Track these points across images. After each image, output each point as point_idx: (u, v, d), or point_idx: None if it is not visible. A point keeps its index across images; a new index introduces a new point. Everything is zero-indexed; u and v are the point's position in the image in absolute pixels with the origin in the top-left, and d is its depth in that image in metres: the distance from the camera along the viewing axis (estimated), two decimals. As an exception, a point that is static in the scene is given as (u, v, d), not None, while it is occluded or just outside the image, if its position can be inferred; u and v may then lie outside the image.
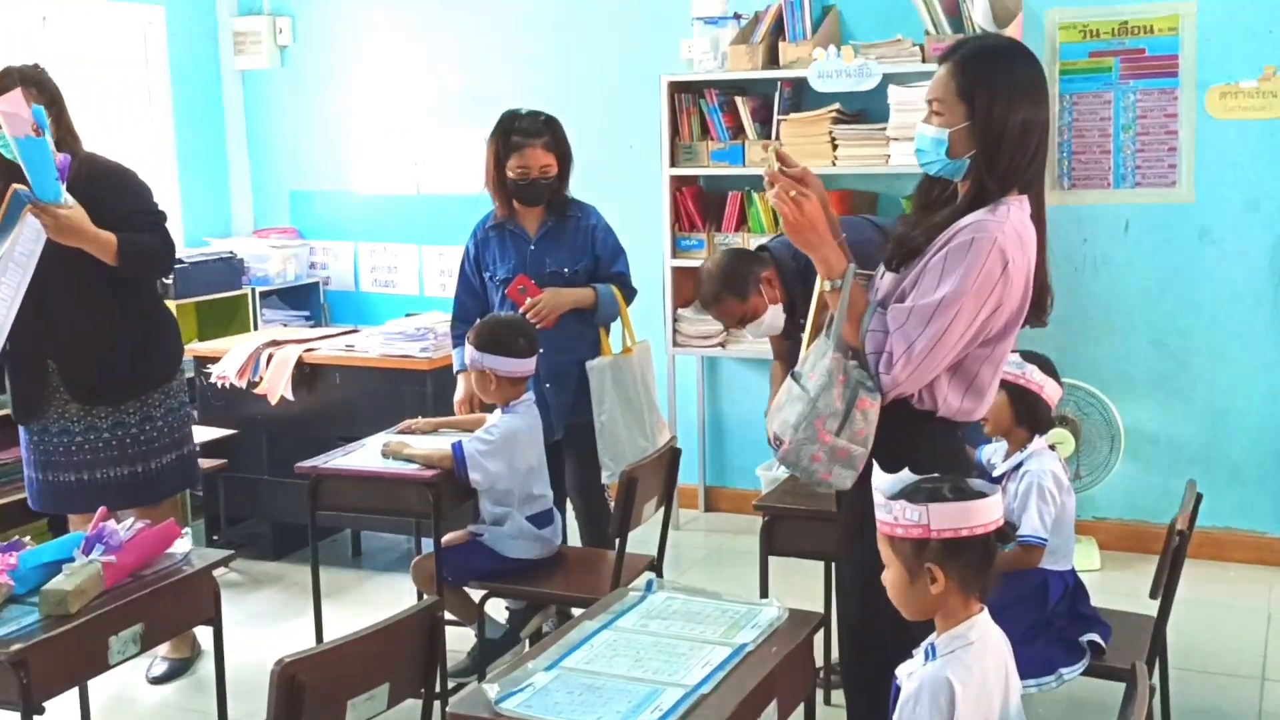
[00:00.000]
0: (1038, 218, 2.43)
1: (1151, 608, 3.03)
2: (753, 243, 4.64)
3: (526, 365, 3.66)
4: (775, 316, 3.73)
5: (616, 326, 4.18)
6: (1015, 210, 2.37)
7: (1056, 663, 3.04)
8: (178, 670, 4.03)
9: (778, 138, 4.95)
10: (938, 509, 2.02)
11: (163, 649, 3.95)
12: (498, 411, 3.69)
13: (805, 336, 2.62)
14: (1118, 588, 4.24)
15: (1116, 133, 4.79)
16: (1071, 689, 3.57)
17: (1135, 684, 2.13)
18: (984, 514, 2.03)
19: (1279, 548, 4.76)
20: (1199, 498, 3.18)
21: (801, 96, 5.03)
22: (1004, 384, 3.09)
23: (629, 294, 4.18)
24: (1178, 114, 4.69)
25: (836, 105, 4.87)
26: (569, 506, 4.18)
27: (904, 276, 2.42)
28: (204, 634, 3.48)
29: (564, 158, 4.02)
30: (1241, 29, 4.56)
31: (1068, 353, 4.91)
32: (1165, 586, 2.98)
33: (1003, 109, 2.34)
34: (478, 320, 3.82)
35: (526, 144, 3.95)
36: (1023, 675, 2.99)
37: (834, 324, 2.42)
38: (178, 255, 4.33)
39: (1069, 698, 3.61)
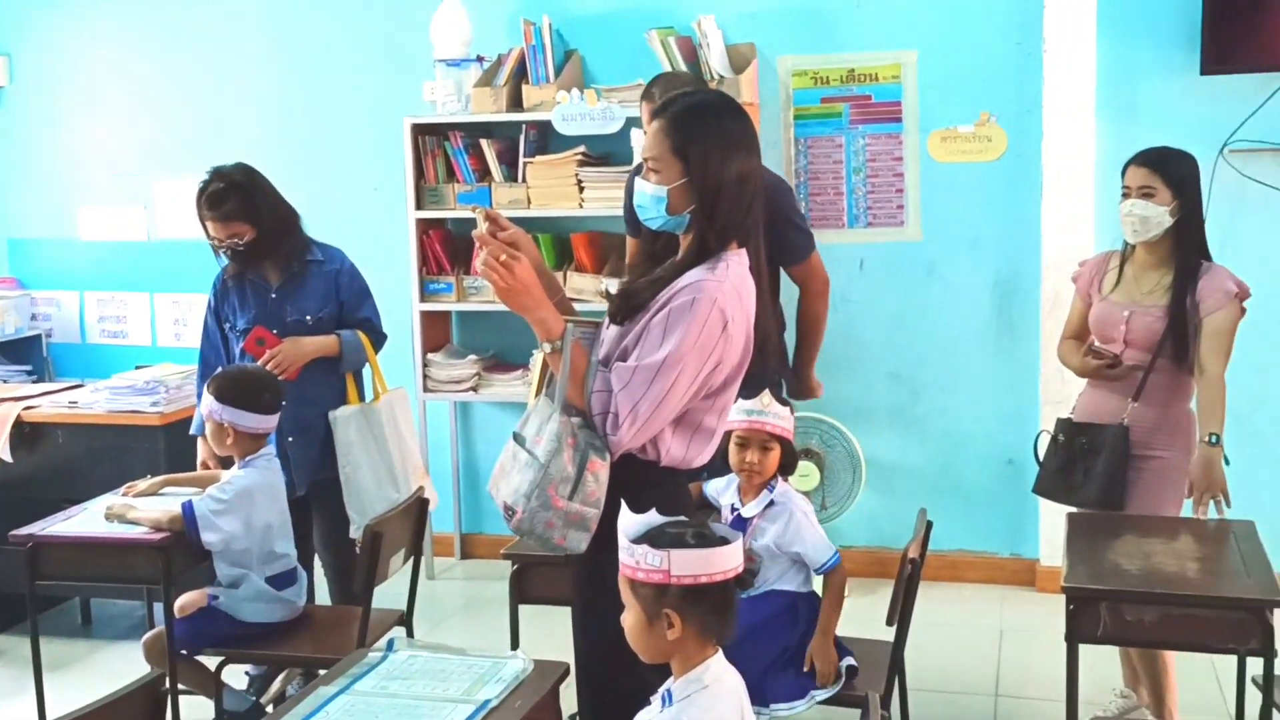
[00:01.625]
0: (756, 268, 2.47)
1: (893, 633, 3.13)
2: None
3: (268, 422, 3.52)
4: None
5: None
6: (734, 265, 2.41)
7: (808, 685, 3.10)
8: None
9: (524, 180, 4.95)
10: (679, 555, 2.02)
11: None
12: (235, 467, 3.52)
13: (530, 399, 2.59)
14: (864, 614, 4.35)
15: (849, 175, 4.99)
16: (807, 716, 3.66)
17: (868, 712, 2.18)
18: (725, 561, 2.04)
19: (1009, 567, 5.01)
20: (929, 525, 3.30)
21: (547, 139, 5.05)
22: (781, 439, 3.16)
23: (377, 339, 4.07)
24: (904, 157, 4.92)
25: (582, 148, 4.90)
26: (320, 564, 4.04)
27: (628, 331, 2.42)
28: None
29: (259, 218, 3.83)
30: (958, 77, 4.83)
31: (811, 387, 5.10)
32: (901, 613, 3.08)
33: (717, 164, 2.38)
34: (219, 369, 3.65)
35: (210, 216, 3.81)
36: (776, 701, 3.06)
37: (557, 386, 2.40)
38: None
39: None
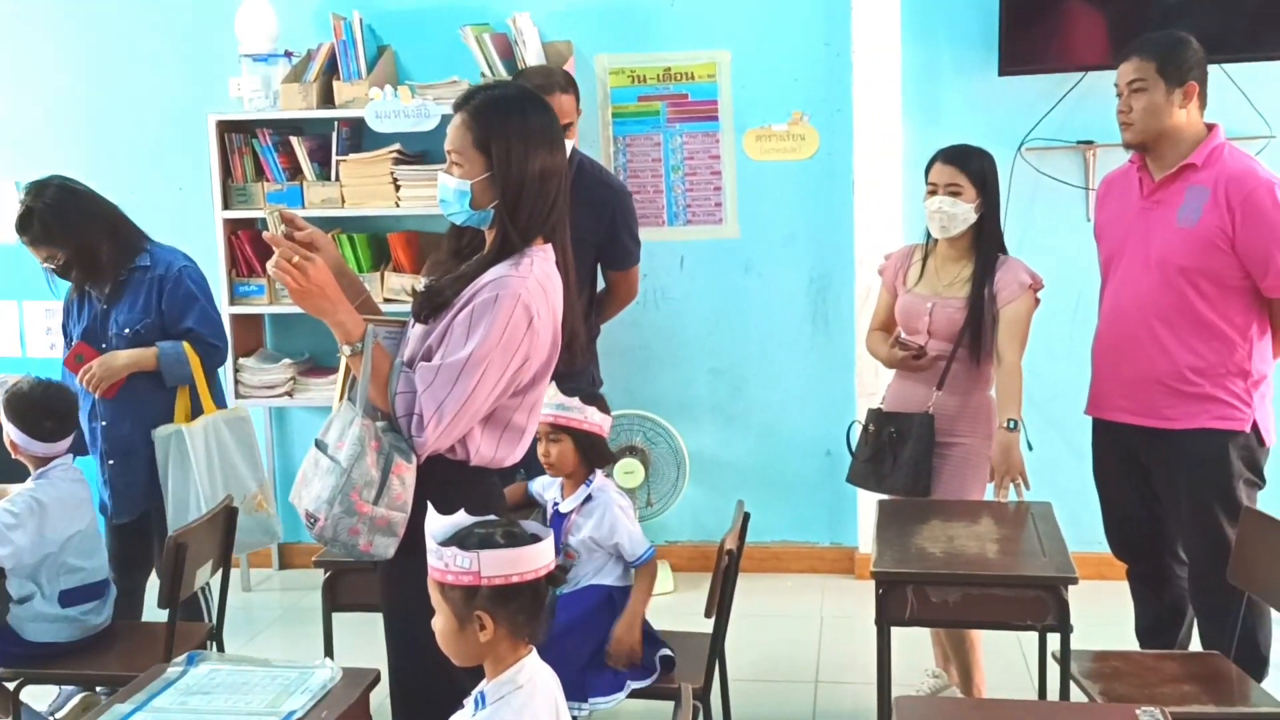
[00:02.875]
0: (563, 263, 2.46)
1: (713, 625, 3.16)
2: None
3: (55, 448, 3.37)
4: None
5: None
6: (539, 261, 2.39)
7: (624, 677, 3.10)
8: None
9: (337, 179, 4.84)
10: (489, 556, 1.99)
11: None
12: (29, 479, 3.36)
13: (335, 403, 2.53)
14: (690, 608, 4.39)
15: (667, 173, 5.02)
16: (631, 710, 3.67)
17: (680, 703, 2.19)
18: (535, 559, 2.02)
19: (829, 556, 5.12)
20: (746, 516, 3.34)
21: (360, 137, 4.94)
22: (568, 429, 3.15)
23: (205, 352, 3.80)
24: (721, 155, 4.98)
25: (397, 146, 4.82)
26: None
27: (432, 329, 2.39)
28: None
29: (66, 240, 3.65)
30: (771, 77, 4.91)
31: (634, 384, 5.12)
32: (719, 604, 3.11)
33: (520, 158, 2.36)
34: (15, 379, 3.47)
35: (21, 239, 3.66)
36: (595, 695, 3.06)
37: (359, 389, 2.35)
38: None
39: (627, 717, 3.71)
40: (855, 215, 4.85)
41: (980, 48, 4.71)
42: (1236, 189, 3.29)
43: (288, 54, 4.92)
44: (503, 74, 4.77)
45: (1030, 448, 4.23)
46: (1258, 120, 4.54)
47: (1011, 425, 3.44)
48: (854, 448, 3.76)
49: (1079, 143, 4.71)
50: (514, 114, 2.39)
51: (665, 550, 5.16)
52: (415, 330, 2.44)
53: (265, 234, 2.39)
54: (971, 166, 3.52)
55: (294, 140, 4.89)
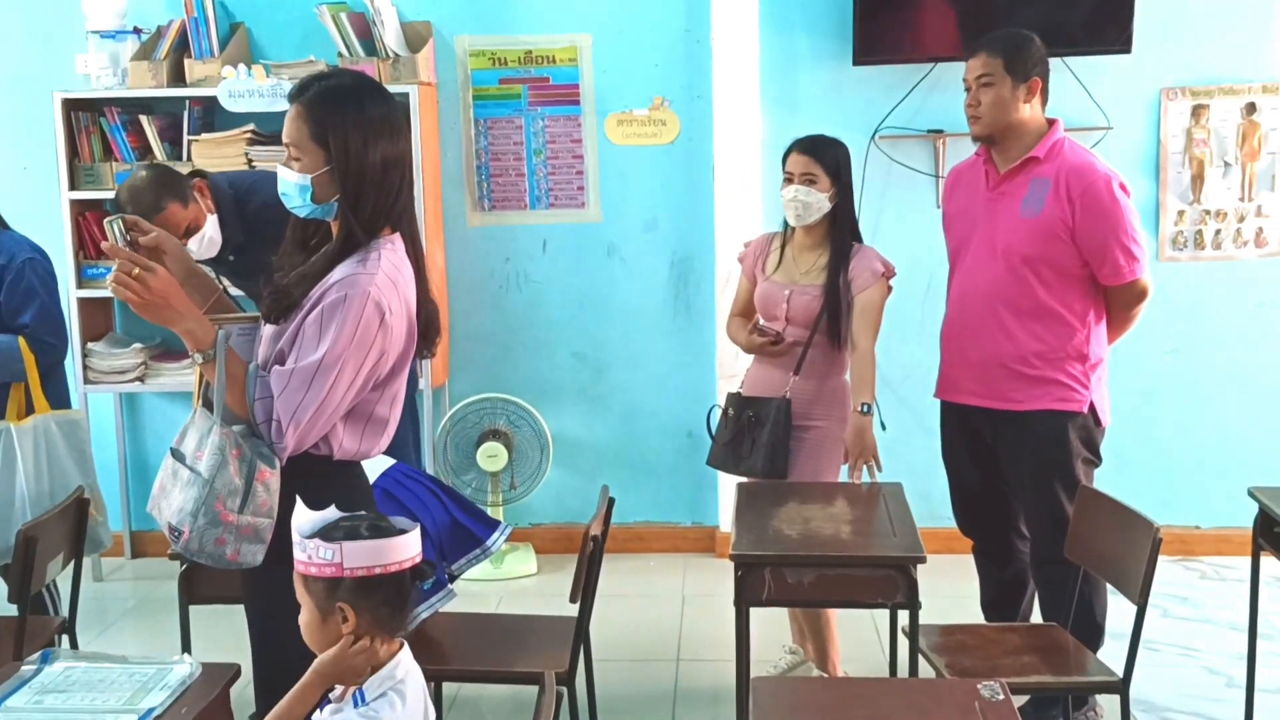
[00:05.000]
0: (414, 252, 2.44)
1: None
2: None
3: None
4: (215, 229, 3.74)
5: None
6: (387, 254, 2.36)
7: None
8: None
9: (189, 159, 4.72)
10: (352, 547, 1.99)
11: None
12: None
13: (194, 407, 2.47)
14: (554, 590, 4.44)
15: (529, 157, 5.02)
16: (496, 695, 3.70)
17: (543, 689, 2.23)
18: (400, 551, 2.02)
19: (690, 535, 5.21)
20: (611, 502, 3.38)
21: (213, 116, 4.83)
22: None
23: (40, 349, 3.61)
24: (583, 139, 5.00)
25: (251, 126, 4.72)
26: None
27: (283, 331, 2.35)
28: None
29: None
30: (632, 62, 4.94)
31: (497, 367, 5.13)
32: (584, 589, 3.15)
33: (359, 149, 2.32)
34: None
35: None
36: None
37: (215, 397, 2.31)
38: None
39: (491, 701, 3.74)
40: (716, 200, 4.92)
41: (835, 38, 4.82)
42: (1077, 182, 3.43)
43: (137, 30, 4.78)
44: (361, 55, 4.73)
45: (884, 428, 4.37)
46: (1097, 112, 4.74)
47: (865, 409, 3.55)
48: (714, 431, 3.84)
49: (929, 131, 4.86)
50: (350, 104, 2.34)
51: (529, 533, 5.19)
52: (266, 331, 2.40)
53: (104, 244, 2.31)
54: (826, 156, 3.61)
55: (144, 119, 4.75)
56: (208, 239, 3.69)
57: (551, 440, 4.95)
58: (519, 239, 5.09)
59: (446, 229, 5.05)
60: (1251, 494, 3.26)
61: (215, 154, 4.70)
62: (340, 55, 4.74)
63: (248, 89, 4.63)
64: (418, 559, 2.04)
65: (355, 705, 2.02)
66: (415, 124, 4.64)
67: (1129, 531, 3.03)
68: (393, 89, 4.58)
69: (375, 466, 3.03)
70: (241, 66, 4.65)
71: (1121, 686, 2.99)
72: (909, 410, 4.75)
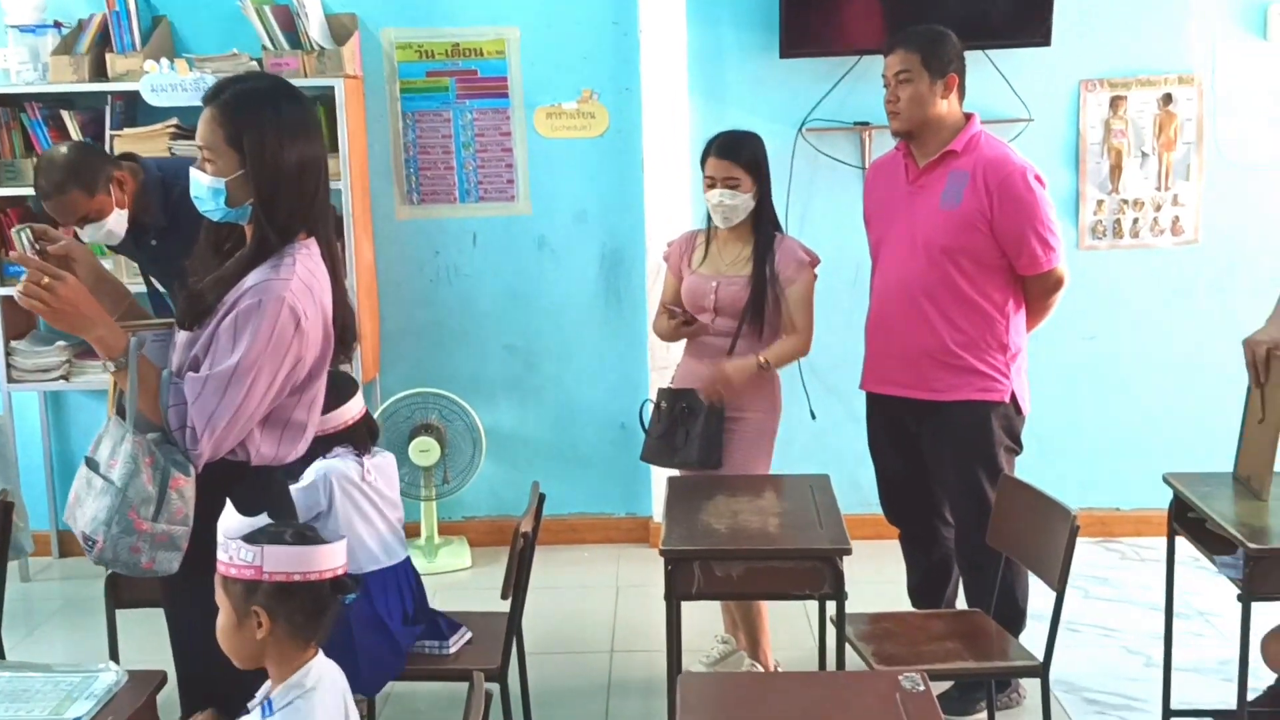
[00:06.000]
0: (329, 256, 2.43)
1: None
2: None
3: None
4: (118, 223, 3.63)
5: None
6: (302, 259, 2.36)
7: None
8: None
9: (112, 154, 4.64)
10: (273, 551, 1.99)
11: None
12: None
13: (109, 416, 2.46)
14: (488, 583, 4.44)
15: (458, 150, 5.01)
16: (429, 692, 3.71)
17: (473, 688, 2.24)
18: (323, 560, 2.03)
19: (625, 526, 5.24)
20: (542, 497, 3.41)
21: (135, 111, 4.77)
22: None
23: None
24: (512, 132, 5.00)
25: (175, 120, 4.66)
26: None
27: (198, 337, 2.35)
28: None
29: None
30: (560, 54, 4.94)
31: (428, 362, 5.12)
32: (516, 585, 3.17)
33: (274, 152, 2.32)
34: None
35: None
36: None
37: (128, 404, 2.29)
38: None
39: (428, 698, 3.75)
40: (645, 193, 4.95)
41: (762, 30, 4.85)
42: (994, 174, 3.50)
43: (57, 24, 4.71)
44: (285, 48, 4.68)
45: (814, 416, 4.44)
46: (1018, 104, 4.82)
47: (764, 363, 3.61)
48: (646, 425, 3.87)
49: (855, 124, 4.91)
50: (266, 107, 2.33)
51: (463, 526, 5.20)
52: (181, 337, 2.39)
53: (13, 254, 2.30)
54: (744, 157, 3.64)
55: (65, 114, 4.68)
56: (105, 230, 3.60)
57: (484, 434, 4.96)
58: (449, 232, 5.08)
59: (375, 223, 5.03)
60: (1166, 480, 3.35)
61: (138, 149, 4.60)
62: (264, 48, 4.69)
63: (170, 83, 4.57)
64: (340, 571, 2.05)
65: (264, 715, 2.03)
66: (341, 117, 4.62)
67: (1047, 519, 3.10)
68: (318, 82, 4.60)
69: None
70: (164, 60, 4.59)
71: (1041, 671, 3.06)
72: (838, 399, 4.82)
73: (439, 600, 4.49)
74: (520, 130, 4.99)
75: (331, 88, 4.60)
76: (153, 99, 4.58)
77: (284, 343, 2.30)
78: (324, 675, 2.07)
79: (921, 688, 2.21)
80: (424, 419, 4.90)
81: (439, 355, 5.12)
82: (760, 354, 3.63)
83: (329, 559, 2.03)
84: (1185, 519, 3.28)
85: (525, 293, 5.12)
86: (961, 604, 3.78)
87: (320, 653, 2.08)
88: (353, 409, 3.18)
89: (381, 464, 3.24)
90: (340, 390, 3.06)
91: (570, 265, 5.11)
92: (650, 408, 3.86)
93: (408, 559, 3.26)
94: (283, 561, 2.00)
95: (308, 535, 2.06)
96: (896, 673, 2.28)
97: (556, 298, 5.13)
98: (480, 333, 5.14)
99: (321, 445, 3.06)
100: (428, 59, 4.95)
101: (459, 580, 4.87)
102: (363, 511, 3.13)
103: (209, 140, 2.33)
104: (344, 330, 2.46)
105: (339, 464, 3.13)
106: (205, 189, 2.34)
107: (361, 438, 3.19)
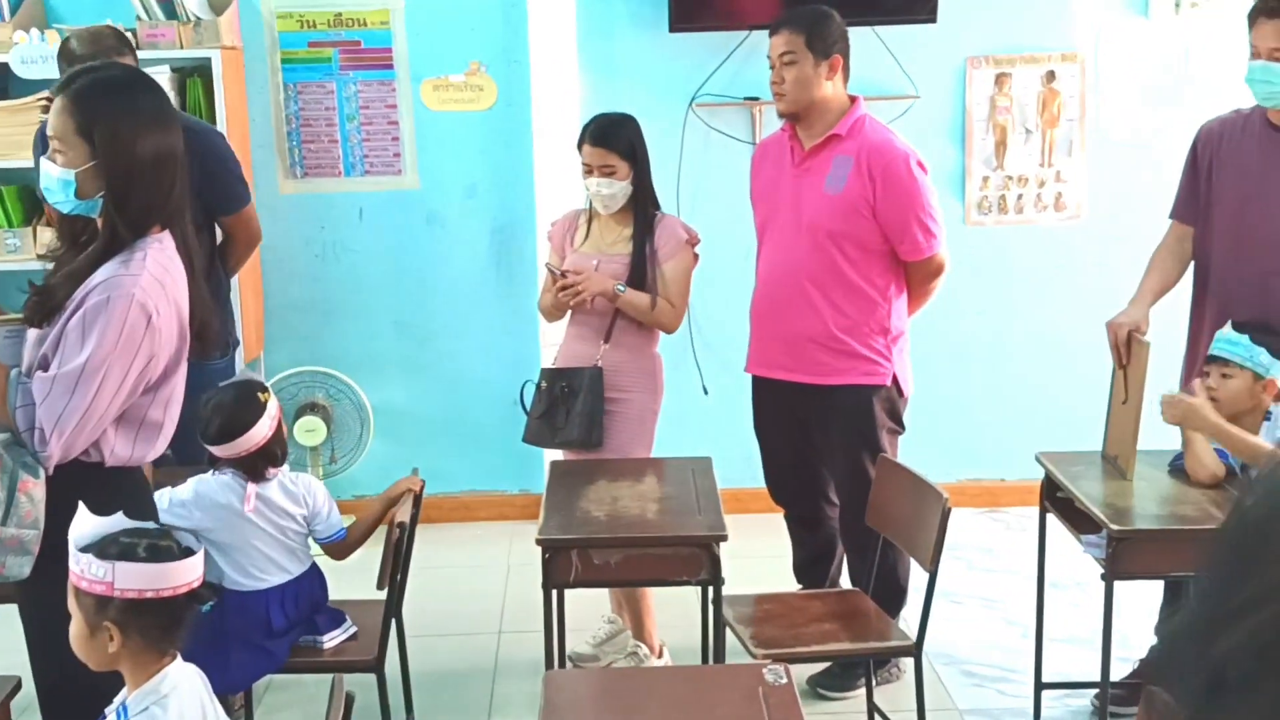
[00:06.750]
0: (185, 250, 2.38)
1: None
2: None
3: None
4: None
5: None
6: (153, 254, 2.30)
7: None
8: None
9: (-22, 128, 4.49)
10: (125, 568, 1.95)
11: None
12: None
13: None
14: (378, 563, 4.41)
15: (342, 122, 4.91)
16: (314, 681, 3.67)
17: (333, 693, 2.22)
18: (178, 575, 1.99)
19: (517, 503, 5.22)
20: (423, 484, 3.38)
21: (6, 83, 4.60)
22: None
23: None
24: (398, 105, 4.91)
25: (46, 93, 4.49)
26: None
27: (47, 334, 2.28)
28: None
29: None
30: (447, 26, 4.86)
31: (315, 339, 5.03)
32: (392, 576, 3.14)
33: (127, 145, 2.26)
34: None
35: None
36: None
37: None
38: None
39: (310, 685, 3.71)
40: (535, 167, 4.89)
41: (651, 4, 4.81)
42: (877, 159, 3.51)
43: (-85, -9, 4.51)
44: (160, 18, 4.54)
45: (706, 392, 4.46)
46: (906, 81, 4.84)
47: (619, 290, 3.59)
48: (528, 407, 3.84)
49: (746, 99, 4.90)
50: (119, 97, 2.28)
51: (354, 505, 5.09)
52: (31, 335, 2.32)
53: None
54: (620, 144, 3.61)
55: (-73, 86, 4.50)
56: None
57: (372, 412, 4.90)
58: (335, 207, 4.98)
59: (258, 197, 4.87)
60: (1038, 459, 3.41)
61: (9, 122, 4.49)
62: (139, 19, 4.54)
63: (41, 54, 4.41)
64: (196, 584, 2.01)
65: None
66: (219, 90, 4.49)
67: (922, 501, 3.15)
68: (195, 54, 4.47)
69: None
70: (35, 31, 4.44)
71: (915, 651, 3.11)
72: (732, 375, 4.80)
73: (328, 581, 4.45)
74: (406, 103, 4.91)
75: (209, 59, 4.48)
76: (22, 71, 4.43)
77: (134, 340, 2.24)
78: (180, 681, 2.03)
79: (784, 680, 2.23)
80: (309, 398, 4.83)
81: (327, 332, 5.04)
82: (619, 285, 3.60)
83: (183, 574, 1.99)
84: (1055, 497, 3.35)
85: (415, 268, 5.06)
86: (846, 583, 3.83)
87: (178, 658, 2.04)
88: (254, 438, 2.98)
89: (277, 486, 3.11)
90: (241, 417, 2.96)
91: (461, 240, 5.04)
92: (532, 389, 3.84)
93: (304, 572, 3.18)
94: (135, 579, 1.95)
95: (162, 548, 2.00)
96: (760, 666, 2.30)
97: (447, 273, 5.07)
98: (369, 309, 5.07)
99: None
100: (310, 29, 4.83)
101: (348, 561, 4.79)
102: (243, 535, 3.04)
103: (59, 130, 2.28)
104: (202, 327, 2.40)
105: (216, 489, 3.03)
106: (55, 180, 2.28)
107: (254, 466, 3.03)
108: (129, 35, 3.95)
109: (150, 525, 2.06)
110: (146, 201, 2.29)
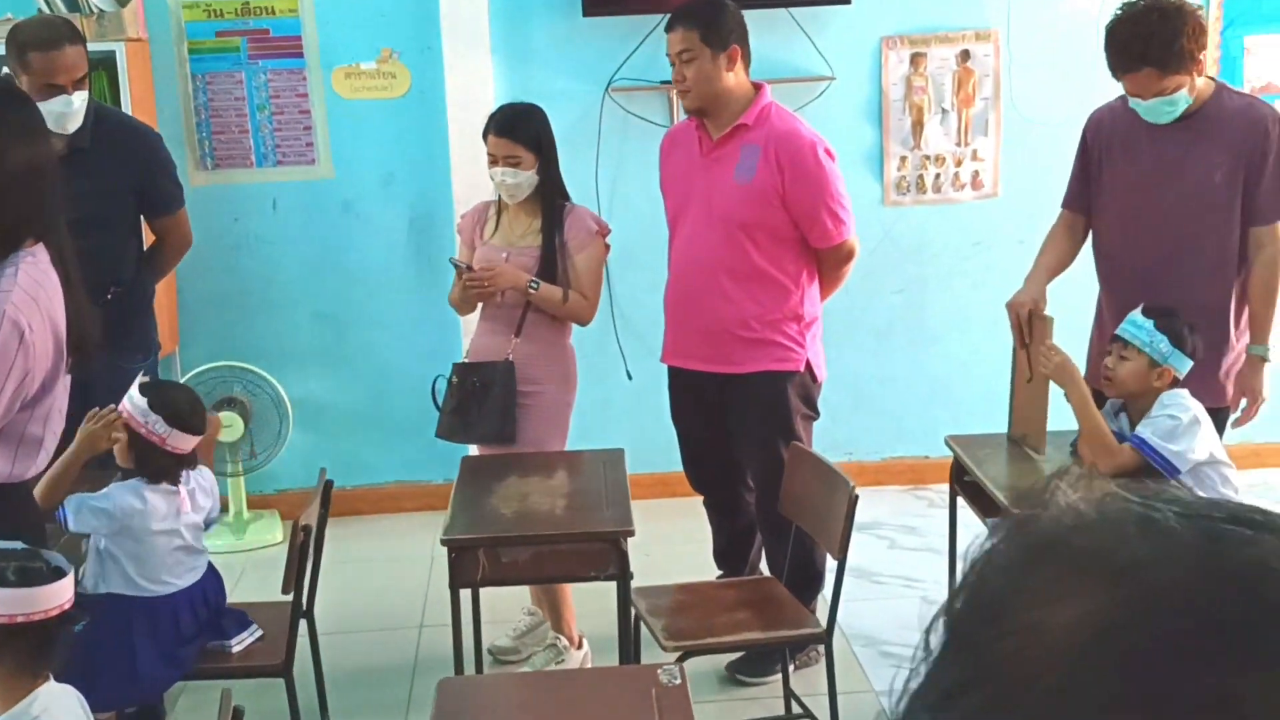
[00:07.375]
0: (59, 261, 2.33)
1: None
2: None
3: None
4: (83, 103, 3.57)
5: None
6: (25, 268, 2.26)
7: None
8: None
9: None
10: None
11: None
12: None
13: None
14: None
15: (253, 112, 4.83)
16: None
17: (221, 707, 2.19)
18: (49, 599, 1.96)
19: (442, 493, 5.14)
20: (329, 485, 3.35)
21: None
22: (129, 430, 2.91)
23: None
24: (309, 94, 4.83)
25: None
26: None
27: None
28: None
29: None
30: (357, 13, 4.78)
31: (231, 334, 4.96)
32: (298, 579, 3.11)
33: None
34: None
35: None
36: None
37: None
38: None
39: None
40: (451, 155, 4.84)
41: (564, -12, 4.77)
42: (785, 148, 3.50)
43: None
44: (62, 10, 4.43)
45: (630, 377, 4.44)
46: (821, 62, 4.83)
47: (534, 286, 3.56)
48: (439, 402, 3.82)
49: (662, 83, 4.85)
50: None
51: (276, 499, 5.09)
52: None
53: None
54: (524, 134, 3.58)
55: None
56: (75, 108, 3.50)
57: (291, 406, 4.84)
58: (248, 198, 4.91)
59: (169, 191, 4.82)
60: (947, 442, 3.43)
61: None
62: (40, 10, 4.43)
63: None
64: (66, 605, 1.97)
65: None
66: (124, 83, 4.41)
67: (830, 488, 3.16)
68: (98, 47, 4.36)
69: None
70: (-74, 23, 4.31)
71: (825, 638, 3.13)
72: (655, 359, 4.73)
73: (250, 578, 4.41)
74: (318, 91, 4.83)
75: (113, 52, 4.38)
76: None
77: (7, 359, 2.20)
78: (51, 703, 2.00)
79: (678, 681, 2.23)
80: (226, 394, 4.76)
81: (243, 326, 4.97)
82: (532, 281, 3.57)
83: (54, 597, 1.96)
84: (964, 480, 3.37)
85: (332, 259, 4.99)
86: (764, 568, 3.84)
87: (50, 679, 2.01)
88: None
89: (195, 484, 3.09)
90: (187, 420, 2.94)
91: (378, 230, 4.99)
92: (444, 384, 3.81)
93: (205, 573, 3.14)
94: (4, 604, 1.92)
95: (31, 571, 1.97)
96: (656, 667, 2.29)
97: (365, 263, 5.01)
98: (286, 301, 5.00)
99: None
100: (216, 18, 4.74)
101: (270, 556, 4.75)
102: (153, 540, 2.99)
103: None
104: (81, 340, 2.36)
105: (133, 495, 2.96)
106: None
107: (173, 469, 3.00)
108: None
109: (17, 546, 2.02)
110: (18, 215, 2.24)
